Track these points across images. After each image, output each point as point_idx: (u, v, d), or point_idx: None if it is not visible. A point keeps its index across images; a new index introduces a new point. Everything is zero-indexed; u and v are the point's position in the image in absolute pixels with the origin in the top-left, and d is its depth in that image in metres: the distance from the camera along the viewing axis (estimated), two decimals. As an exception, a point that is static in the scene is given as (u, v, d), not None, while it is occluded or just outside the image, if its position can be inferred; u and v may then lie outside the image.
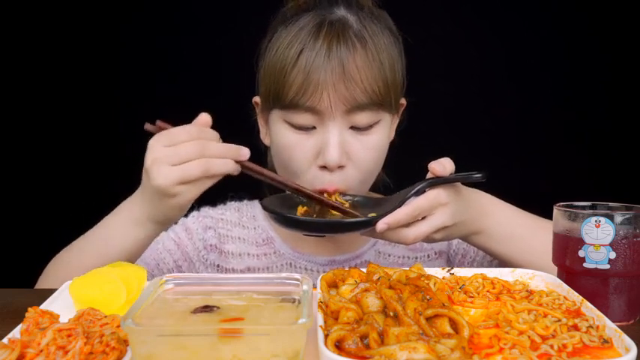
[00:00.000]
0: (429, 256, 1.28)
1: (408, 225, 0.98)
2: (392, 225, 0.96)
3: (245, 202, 1.38)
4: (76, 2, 1.88)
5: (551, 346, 0.66)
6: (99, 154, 1.92)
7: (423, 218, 0.99)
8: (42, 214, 1.90)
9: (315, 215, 1.06)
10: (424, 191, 1.00)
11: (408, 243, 0.99)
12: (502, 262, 1.08)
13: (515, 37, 1.86)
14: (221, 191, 1.36)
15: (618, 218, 0.84)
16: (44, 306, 0.80)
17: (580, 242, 0.86)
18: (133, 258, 1.07)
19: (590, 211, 0.88)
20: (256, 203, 1.37)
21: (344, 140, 1.11)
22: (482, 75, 1.86)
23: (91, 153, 1.92)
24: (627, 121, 1.89)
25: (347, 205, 1.09)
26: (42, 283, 1.12)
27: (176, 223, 1.30)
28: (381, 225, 0.96)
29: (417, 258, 1.27)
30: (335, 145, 1.09)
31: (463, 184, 1.03)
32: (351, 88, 1.08)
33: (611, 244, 0.84)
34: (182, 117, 1.99)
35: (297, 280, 0.78)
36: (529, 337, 0.68)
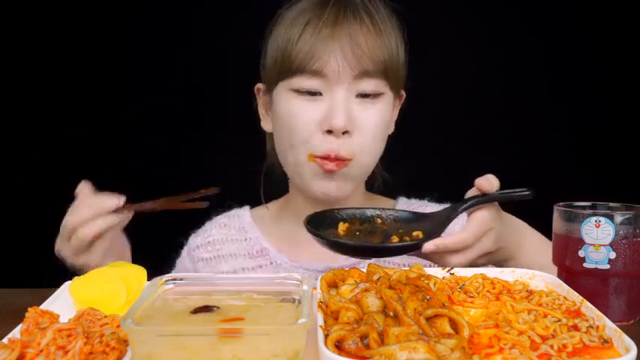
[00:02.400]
0: None
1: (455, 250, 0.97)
2: (440, 249, 0.95)
3: (233, 211, 1.37)
4: (76, 2, 1.87)
5: (551, 346, 0.66)
6: (99, 154, 1.92)
7: None
8: (42, 214, 1.89)
9: (357, 232, 1.04)
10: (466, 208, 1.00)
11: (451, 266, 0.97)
12: None
13: (512, 39, 1.86)
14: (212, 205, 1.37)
15: (618, 218, 0.84)
16: (44, 306, 0.80)
17: (580, 242, 0.86)
18: None
19: (590, 211, 0.88)
20: (245, 212, 1.35)
21: (350, 107, 1.12)
22: (479, 76, 1.85)
23: (91, 153, 1.92)
24: (626, 122, 1.89)
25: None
26: None
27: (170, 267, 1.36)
28: (429, 246, 0.94)
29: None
30: (341, 109, 1.10)
31: (510, 202, 1.02)
32: (358, 55, 1.10)
33: (611, 244, 0.84)
34: (182, 117, 1.99)
35: (297, 280, 0.78)
36: (529, 337, 0.68)
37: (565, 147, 1.89)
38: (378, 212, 1.08)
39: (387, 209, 1.09)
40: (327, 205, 1.19)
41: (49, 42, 1.89)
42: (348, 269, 0.86)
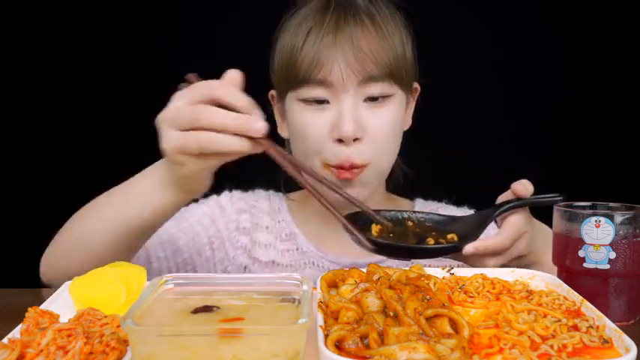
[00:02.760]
0: None
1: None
2: (480, 251, 0.96)
3: (271, 192, 1.37)
4: (76, 2, 1.88)
5: (551, 346, 0.66)
6: (99, 154, 1.92)
7: None
8: (41, 214, 1.90)
9: (391, 234, 1.04)
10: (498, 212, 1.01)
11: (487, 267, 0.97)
12: None
13: (514, 37, 1.86)
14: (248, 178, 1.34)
15: (618, 218, 0.84)
16: (44, 306, 0.80)
17: (580, 242, 0.86)
18: (157, 222, 1.02)
19: (590, 211, 0.88)
20: (281, 196, 1.36)
21: (358, 113, 1.11)
22: (481, 75, 1.85)
23: (91, 153, 1.92)
24: (627, 121, 1.89)
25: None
26: (55, 243, 1.10)
27: (205, 196, 1.28)
28: (469, 248, 0.95)
29: None
30: (349, 117, 1.09)
31: (544, 206, 1.02)
32: (361, 59, 1.10)
33: (611, 244, 0.84)
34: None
35: (297, 280, 0.78)
36: (529, 337, 0.68)
37: (565, 147, 1.89)
38: (409, 215, 1.09)
39: (418, 212, 1.10)
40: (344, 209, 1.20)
41: (49, 42, 1.89)
42: (348, 269, 0.86)
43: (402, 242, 1.01)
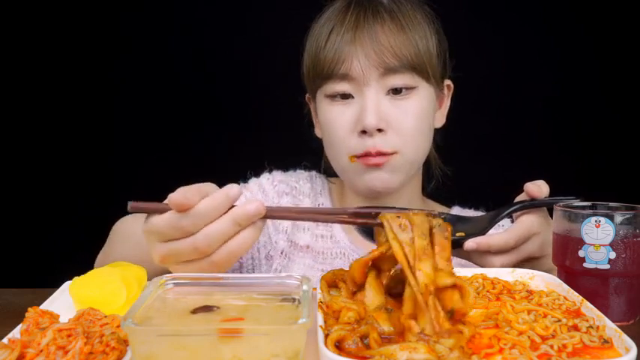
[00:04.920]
0: None
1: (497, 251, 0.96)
2: (482, 247, 0.94)
3: (313, 172, 1.39)
4: (76, 2, 1.88)
5: (551, 347, 0.66)
6: (99, 154, 1.92)
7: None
8: (42, 214, 1.90)
9: None
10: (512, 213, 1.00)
11: (493, 267, 0.95)
12: None
13: (513, 37, 1.86)
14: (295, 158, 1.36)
15: (618, 218, 0.85)
16: (44, 306, 0.80)
17: (580, 242, 0.86)
18: None
19: (590, 211, 0.88)
20: (323, 178, 1.37)
21: (381, 105, 1.14)
22: (480, 74, 1.85)
23: (91, 153, 1.92)
24: (627, 121, 1.89)
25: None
26: (113, 247, 1.13)
27: (244, 180, 1.32)
28: (470, 244, 0.94)
29: None
30: (371, 109, 1.12)
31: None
32: (380, 53, 1.13)
33: (611, 244, 0.84)
34: (182, 119, 1.99)
35: (297, 280, 0.78)
36: (529, 337, 0.68)
37: (566, 147, 1.89)
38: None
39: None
40: (377, 200, 1.20)
41: (50, 42, 1.89)
42: (347, 269, 0.85)
43: None
